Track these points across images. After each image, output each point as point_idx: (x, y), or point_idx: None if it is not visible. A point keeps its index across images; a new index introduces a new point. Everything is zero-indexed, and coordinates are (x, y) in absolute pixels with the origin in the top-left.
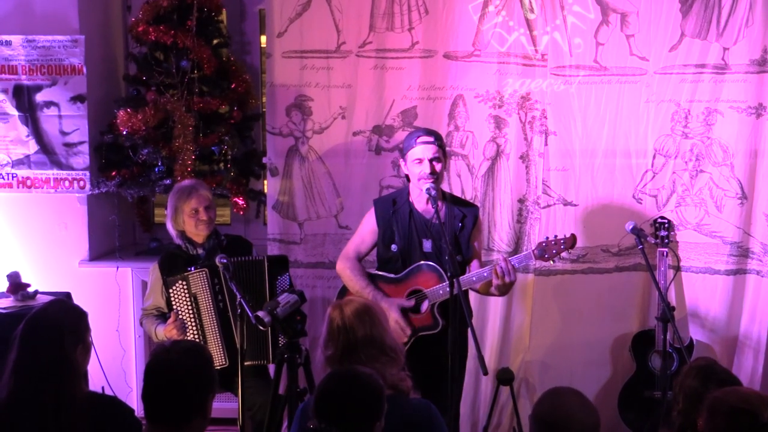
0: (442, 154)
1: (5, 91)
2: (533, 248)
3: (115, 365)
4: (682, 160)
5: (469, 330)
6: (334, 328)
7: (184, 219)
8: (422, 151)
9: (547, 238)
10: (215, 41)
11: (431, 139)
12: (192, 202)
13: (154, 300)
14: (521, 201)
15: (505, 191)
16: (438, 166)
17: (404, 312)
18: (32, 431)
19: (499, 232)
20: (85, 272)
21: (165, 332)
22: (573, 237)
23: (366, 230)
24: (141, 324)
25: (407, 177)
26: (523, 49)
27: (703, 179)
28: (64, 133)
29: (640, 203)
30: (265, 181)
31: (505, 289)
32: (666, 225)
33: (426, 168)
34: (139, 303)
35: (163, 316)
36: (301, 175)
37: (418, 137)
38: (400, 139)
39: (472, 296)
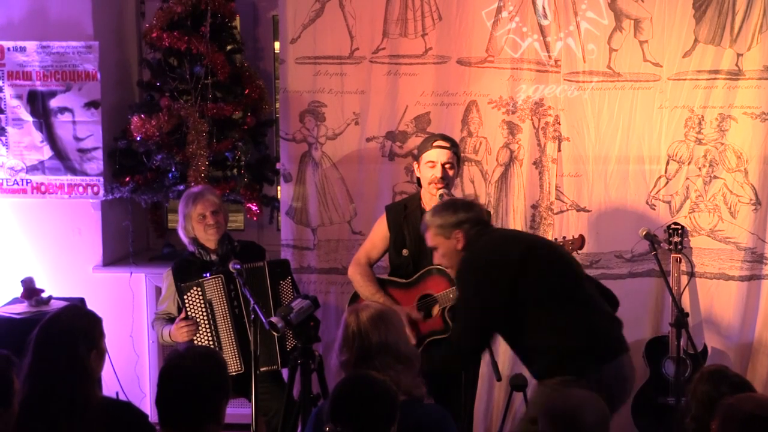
0: (456, 161)
1: (19, 97)
2: None
3: (129, 371)
4: (696, 166)
5: None
6: (349, 334)
7: (193, 225)
8: (437, 154)
9: (556, 239)
10: (229, 47)
11: (447, 144)
12: (198, 207)
13: (167, 306)
14: (534, 207)
15: (518, 197)
16: (450, 172)
17: (412, 321)
18: None
19: None
20: (99, 278)
21: (175, 331)
22: (581, 237)
23: (377, 236)
24: (153, 326)
25: (418, 181)
26: (537, 55)
27: (716, 185)
28: (78, 139)
29: (654, 209)
30: (279, 187)
31: None
32: (679, 231)
33: (438, 172)
34: (153, 309)
35: (172, 321)
36: (314, 181)
37: (435, 141)
38: (413, 145)
39: None
